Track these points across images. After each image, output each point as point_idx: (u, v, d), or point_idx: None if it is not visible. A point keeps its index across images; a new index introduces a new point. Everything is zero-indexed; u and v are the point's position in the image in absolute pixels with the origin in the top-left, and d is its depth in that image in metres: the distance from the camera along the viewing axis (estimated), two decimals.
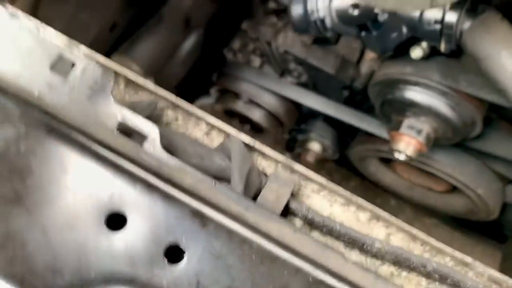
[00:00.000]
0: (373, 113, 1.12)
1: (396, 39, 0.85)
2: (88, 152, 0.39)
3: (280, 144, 1.55)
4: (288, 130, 1.42)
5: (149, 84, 0.47)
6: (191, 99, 1.63)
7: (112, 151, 0.39)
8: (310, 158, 1.41)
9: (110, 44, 1.18)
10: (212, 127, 0.49)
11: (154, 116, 0.47)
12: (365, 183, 1.64)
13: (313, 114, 1.33)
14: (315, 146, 1.39)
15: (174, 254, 0.37)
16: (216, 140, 0.49)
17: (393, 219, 0.49)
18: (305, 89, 1.22)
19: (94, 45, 1.11)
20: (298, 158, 1.63)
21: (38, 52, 0.42)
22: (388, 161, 1.30)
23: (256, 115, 1.28)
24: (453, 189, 1.21)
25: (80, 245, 0.36)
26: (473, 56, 0.78)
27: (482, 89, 0.86)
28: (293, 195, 0.46)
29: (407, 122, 0.95)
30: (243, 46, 1.26)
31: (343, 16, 0.88)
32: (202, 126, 0.49)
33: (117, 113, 0.41)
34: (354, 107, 1.20)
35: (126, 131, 0.41)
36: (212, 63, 1.33)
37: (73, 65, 0.42)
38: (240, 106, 1.28)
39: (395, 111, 0.98)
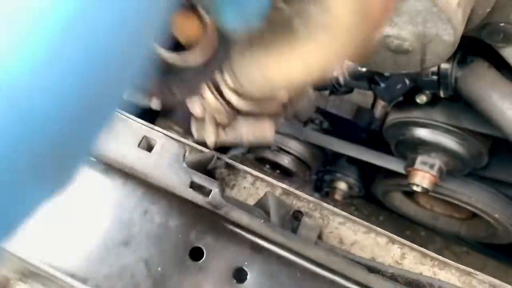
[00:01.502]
0: (391, 151, 1.25)
1: (401, 89, 0.99)
2: (172, 203, 0.53)
3: (308, 185, 1.68)
4: (315, 172, 1.55)
5: (203, 148, 0.62)
6: (224, 150, 1.79)
7: (187, 202, 0.54)
8: (337, 196, 1.54)
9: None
10: (256, 178, 0.64)
11: (216, 167, 0.62)
12: (393, 217, 1.73)
13: (337, 156, 1.46)
14: (341, 185, 1.51)
15: (240, 275, 0.50)
16: (260, 188, 0.64)
17: (406, 241, 0.62)
18: (327, 135, 1.36)
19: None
20: (326, 197, 1.75)
21: (128, 135, 0.58)
22: (410, 194, 1.41)
23: (285, 161, 1.42)
24: (473, 215, 1.30)
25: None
26: (468, 99, 0.91)
27: (483, 125, 0.98)
28: (320, 236, 0.59)
29: (420, 158, 1.08)
30: None
31: (354, 73, 1.03)
32: (249, 179, 0.64)
33: (189, 175, 0.56)
34: (374, 146, 1.33)
35: (196, 186, 0.56)
36: None
37: (154, 142, 0.58)
38: (269, 154, 1.42)
39: (408, 149, 1.11)
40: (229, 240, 0.52)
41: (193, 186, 0.56)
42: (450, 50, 0.65)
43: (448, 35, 0.62)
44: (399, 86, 0.99)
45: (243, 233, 0.52)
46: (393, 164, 1.26)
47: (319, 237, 0.61)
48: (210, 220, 0.53)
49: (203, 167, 0.60)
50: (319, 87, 1.09)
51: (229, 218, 0.54)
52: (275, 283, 0.50)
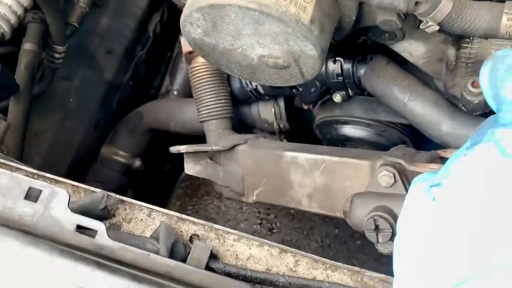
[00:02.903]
0: None
1: (316, 92, 1.03)
2: (57, 252, 0.56)
3: None
4: None
5: (94, 189, 0.66)
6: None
7: (73, 247, 0.57)
8: None
9: (98, 138, 1.39)
10: (152, 209, 0.67)
11: (107, 207, 0.65)
12: None
13: None
14: None
15: None
16: (156, 218, 0.67)
17: (296, 250, 0.65)
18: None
19: (83, 144, 1.32)
20: None
21: (14, 188, 0.61)
22: None
23: None
24: None
25: None
26: (373, 95, 0.94)
27: (397, 115, 1.02)
28: (214, 254, 0.62)
29: None
30: None
31: None
32: (145, 211, 0.67)
33: (74, 219, 0.59)
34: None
35: (82, 230, 0.59)
36: None
37: (40, 191, 0.61)
38: None
39: (338, 145, 1.14)
40: (111, 277, 0.55)
41: (79, 230, 0.59)
42: (319, 62, 0.69)
43: (310, 50, 0.65)
44: (313, 89, 1.03)
45: (125, 268, 0.56)
46: None
47: (215, 256, 0.64)
48: (94, 261, 0.56)
49: (93, 208, 0.63)
50: (243, 99, 1.12)
51: (113, 256, 0.57)
52: None
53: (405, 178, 0.71)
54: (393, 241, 0.67)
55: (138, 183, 1.45)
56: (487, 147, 0.42)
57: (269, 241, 0.66)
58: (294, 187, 0.88)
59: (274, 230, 1.95)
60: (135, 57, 1.44)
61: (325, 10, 0.65)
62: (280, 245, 0.66)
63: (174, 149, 0.99)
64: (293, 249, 0.65)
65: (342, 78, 0.95)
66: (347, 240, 2.03)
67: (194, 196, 1.99)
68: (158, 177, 1.60)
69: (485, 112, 0.86)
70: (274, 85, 0.79)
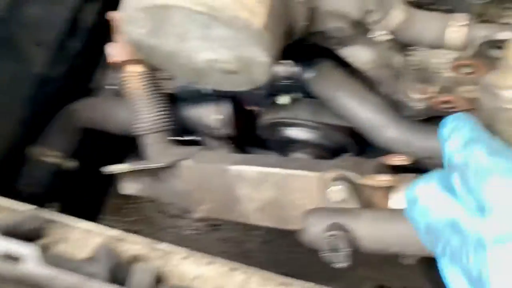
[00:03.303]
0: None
1: (262, 94, 1.00)
2: None
3: None
4: None
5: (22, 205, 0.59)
6: None
7: None
8: None
9: (26, 137, 1.28)
10: (87, 229, 0.62)
11: (37, 226, 0.59)
12: None
13: None
14: None
15: None
16: (92, 238, 0.62)
17: (246, 267, 0.63)
18: None
19: (10, 144, 1.21)
20: None
21: None
22: None
23: None
24: None
25: None
26: (320, 98, 0.93)
27: (342, 119, 1.02)
28: (159, 276, 0.58)
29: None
30: None
31: None
32: (79, 230, 0.61)
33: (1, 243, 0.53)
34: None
35: (4, 255, 0.53)
36: None
37: None
38: None
39: (284, 148, 1.13)
40: None
41: (4, 255, 0.52)
42: (271, 68, 0.66)
43: (261, 56, 0.62)
44: (259, 91, 1.00)
45: None
46: None
47: (160, 278, 0.60)
48: None
49: (20, 229, 0.56)
50: (183, 97, 1.07)
51: (46, 285, 0.51)
52: None
53: (356, 191, 0.70)
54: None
55: (72, 184, 1.36)
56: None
57: (219, 259, 0.62)
58: (242, 202, 0.85)
59: (217, 227, 1.92)
60: (68, 49, 1.34)
61: (277, 16, 0.62)
62: (230, 262, 0.63)
63: (108, 169, 0.91)
64: (243, 265, 0.63)
65: (289, 81, 0.92)
66: (288, 234, 2.05)
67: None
68: (94, 177, 1.51)
69: (429, 117, 0.88)
70: (221, 89, 0.75)
